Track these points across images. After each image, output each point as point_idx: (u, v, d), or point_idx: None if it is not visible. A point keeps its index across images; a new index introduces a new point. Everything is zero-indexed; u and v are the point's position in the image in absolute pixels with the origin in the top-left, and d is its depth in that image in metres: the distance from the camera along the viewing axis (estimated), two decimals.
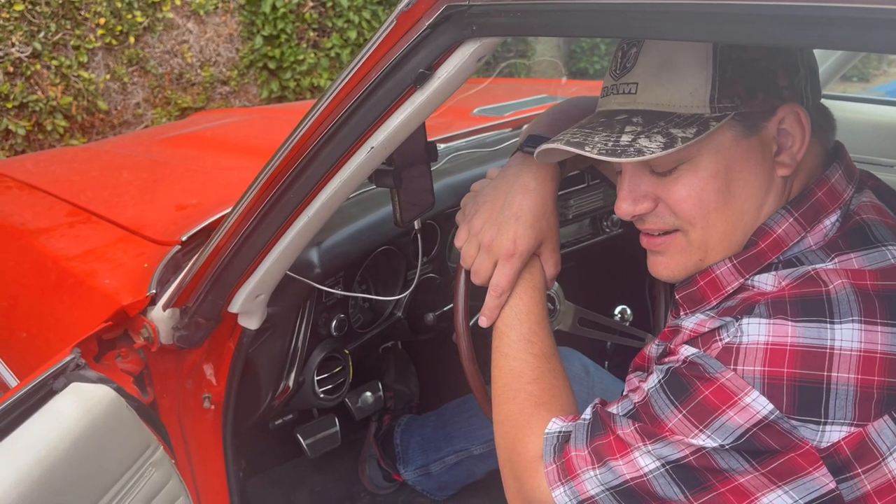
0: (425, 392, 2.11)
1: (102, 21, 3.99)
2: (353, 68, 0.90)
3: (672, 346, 0.84)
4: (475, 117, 2.17)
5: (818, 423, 0.73)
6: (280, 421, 1.62)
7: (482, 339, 1.15)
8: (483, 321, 1.04)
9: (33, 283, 1.49)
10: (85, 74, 3.97)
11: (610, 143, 0.81)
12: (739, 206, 0.85)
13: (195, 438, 1.38)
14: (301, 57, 4.64)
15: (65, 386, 1.01)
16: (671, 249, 0.89)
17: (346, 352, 1.46)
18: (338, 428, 1.83)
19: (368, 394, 1.92)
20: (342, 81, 0.91)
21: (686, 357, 0.80)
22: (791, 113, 0.84)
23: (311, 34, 4.72)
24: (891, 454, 0.74)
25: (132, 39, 4.20)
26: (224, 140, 2.28)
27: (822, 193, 0.86)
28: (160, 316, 1.21)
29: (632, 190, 0.88)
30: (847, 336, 0.74)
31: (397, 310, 1.59)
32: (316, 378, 1.41)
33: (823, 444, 0.73)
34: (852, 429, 0.73)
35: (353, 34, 4.78)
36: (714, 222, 0.85)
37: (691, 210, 0.85)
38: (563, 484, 0.88)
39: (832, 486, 0.74)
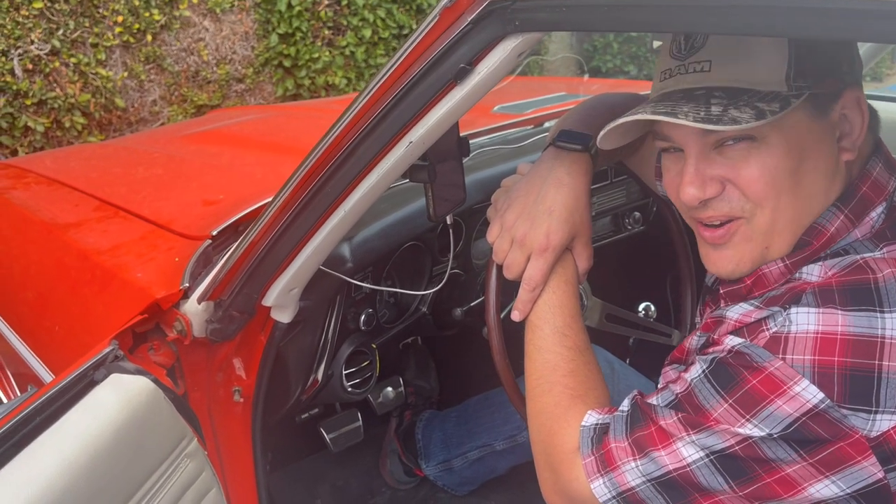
0: (445, 388, 2.12)
1: (120, 19, 4.02)
2: (394, 63, 0.90)
3: (716, 337, 0.85)
4: (496, 115, 2.18)
5: (869, 412, 0.74)
6: (306, 415, 1.63)
7: (510, 335, 1.16)
8: (516, 315, 1.04)
9: (64, 277, 1.51)
10: (103, 72, 4.00)
11: (702, 113, 0.79)
12: (809, 189, 0.84)
13: (225, 431, 1.39)
14: (316, 55, 4.65)
15: (105, 377, 1.02)
16: (736, 239, 0.87)
17: (374, 346, 1.47)
18: (361, 423, 1.84)
19: (390, 389, 1.93)
20: (383, 77, 0.92)
21: (732, 347, 0.80)
22: (853, 98, 0.85)
23: (326, 32, 4.73)
24: None
25: (149, 37, 4.23)
26: (245, 137, 2.30)
27: (866, 188, 0.86)
28: (194, 309, 1.22)
29: (699, 173, 0.85)
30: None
31: (422, 305, 1.60)
32: (344, 372, 1.42)
33: (874, 434, 0.74)
34: None
35: (367, 32, 4.79)
36: (784, 205, 0.84)
37: (763, 190, 0.83)
38: (602, 475, 0.88)
39: (881, 475, 0.75)
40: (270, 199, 1.06)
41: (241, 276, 1.12)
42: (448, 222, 1.19)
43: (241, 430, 1.40)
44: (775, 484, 0.78)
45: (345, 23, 4.75)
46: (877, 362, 0.73)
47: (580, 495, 0.91)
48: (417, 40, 0.88)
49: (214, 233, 1.41)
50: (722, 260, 0.89)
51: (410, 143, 0.95)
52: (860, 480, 0.76)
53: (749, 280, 0.89)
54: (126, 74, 4.19)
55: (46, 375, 1.44)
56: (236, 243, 1.13)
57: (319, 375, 1.39)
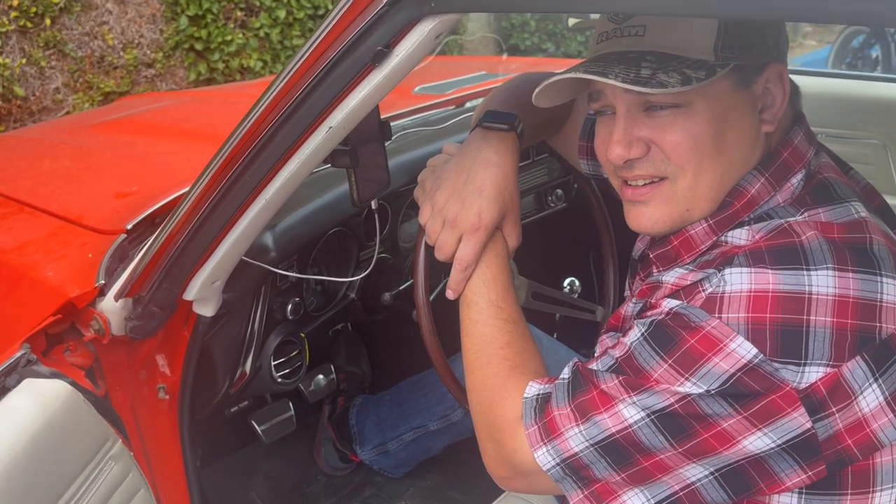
0: (377, 373, 2.11)
1: (16, 2, 3.80)
2: (310, 47, 0.89)
3: (653, 301, 0.87)
4: (417, 95, 2.17)
5: (798, 365, 0.77)
6: (235, 408, 1.60)
7: (439, 317, 1.16)
8: (450, 294, 1.05)
9: None
10: None
11: (632, 75, 0.82)
12: (729, 156, 0.88)
13: (151, 430, 1.35)
14: (229, 37, 4.51)
15: (18, 382, 0.98)
16: (657, 199, 0.91)
17: (302, 335, 1.45)
18: (292, 412, 1.82)
19: (321, 377, 1.91)
20: (299, 60, 0.90)
21: (670, 309, 0.83)
22: (776, 72, 0.89)
23: (239, 14, 4.59)
24: (861, 393, 0.78)
25: (48, 21, 4.01)
26: (157, 125, 2.21)
27: (787, 154, 0.90)
28: (111, 307, 1.18)
29: (626, 133, 0.89)
30: (822, 282, 0.79)
31: (350, 291, 1.59)
32: (273, 363, 1.40)
33: (802, 385, 0.78)
34: (828, 369, 0.78)
35: (281, 13, 4.68)
36: (706, 169, 0.88)
37: (686, 154, 0.87)
38: (545, 444, 0.90)
39: (808, 425, 0.79)
40: (188, 190, 1.03)
41: (159, 271, 1.09)
42: (373, 207, 1.18)
43: (169, 428, 1.36)
44: (712, 439, 0.81)
45: (258, 3, 4.62)
46: (805, 317, 0.78)
47: (524, 464, 0.92)
48: (333, 22, 0.87)
49: (129, 226, 1.36)
50: (641, 217, 0.93)
51: (330, 128, 0.93)
52: (790, 431, 0.79)
53: (676, 241, 0.93)
54: (24, 61, 3.97)
55: None
56: (153, 236, 1.09)
57: (247, 368, 1.37)
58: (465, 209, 1.02)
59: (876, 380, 0.79)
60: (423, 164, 1.16)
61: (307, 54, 0.89)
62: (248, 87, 3.11)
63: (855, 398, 0.79)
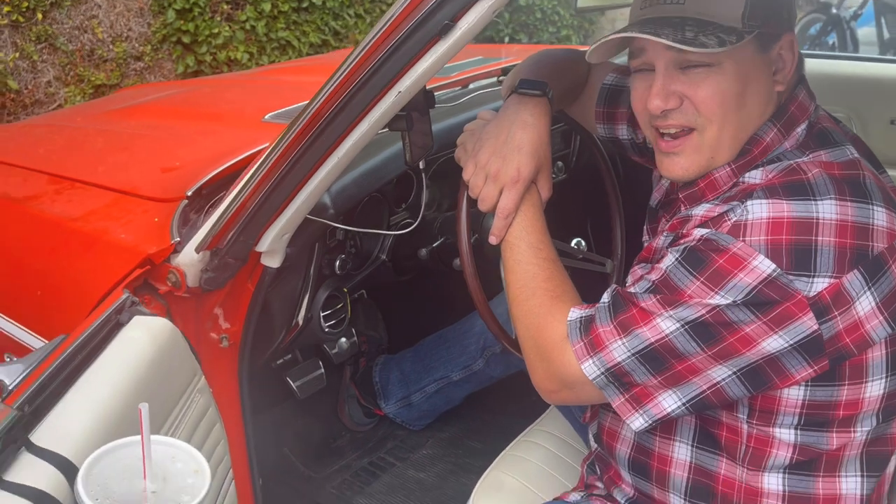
0: (392, 337, 2.27)
1: None
2: (386, 22, 1.04)
3: (684, 231, 1.04)
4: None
5: (809, 277, 0.94)
6: (281, 361, 1.75)
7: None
8: (493, 239, 1.21)
9: (38, 245, 1.55)
10: None
11: (679, 36, 0.98)
12: (749, 110, 1.05)
13: (212, 378, 1.50)
14: (216, 30, 4.61)
15: (129, 319, 1.12)
16: (688, 150, 1.07)
17: (345, 290, 1.61)
18: (322, 370, 1.97)
19: (344, 340, 2.05)
20: (376, 33, 1.05)
21: (701, 236, 0.99)
22: (788, 41, 1.06)
23: (225, 7, 4.69)
24: (858, 300, 0.95)
25: (40, 16, 4.07)
26: (178, 109, 2.34)
27: (794, 108, 1.08)
28: (188, 260, 1.32)
29: (665, 87, 1.04)
30: (827, 209, 0.96)
31: (382, 253, 1.75)
32: (322, 314, 1.55)
33: (811, 294, 0.94)
34: (832, 280, 0.94)
35: (267, 6, 4.78)
36: (729, 122, 1.04)
37: (714, 108, 1.03)
38: (591, 356, 1.05)
39: (816, 327, 0.95)
40: (269, 147, 1.18)
41: (239, 223, 1.23)
42: (421, 166, 1.34)
43: (229, 375, 1.50)
44: (737, 342, 0.96)
45: None
46: (813, 238, 0.94)
47: (571, 376, 1.08)
48: (406, 2, 1.02)
49: (189, 193, 1.49)
50: (674, 166, 1.10)
51: (399, 92, 1.09)
52: (800, 333, 0.95)
53: (702, 183, 1.09)
54: (17, 55, 4.03)
55: (34, 340, 1.49)
56: (233, 193, 1.23)
57: (300, 319, 1.52)
58: (506, 164, 1.18)
59: (869, 288, 0.96)
60: (442, 138, 1.32)
61: (384, 28, 1.04)
62: (255, 75, 3.23)
63: (853, 304, 0.95)
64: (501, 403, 2.05)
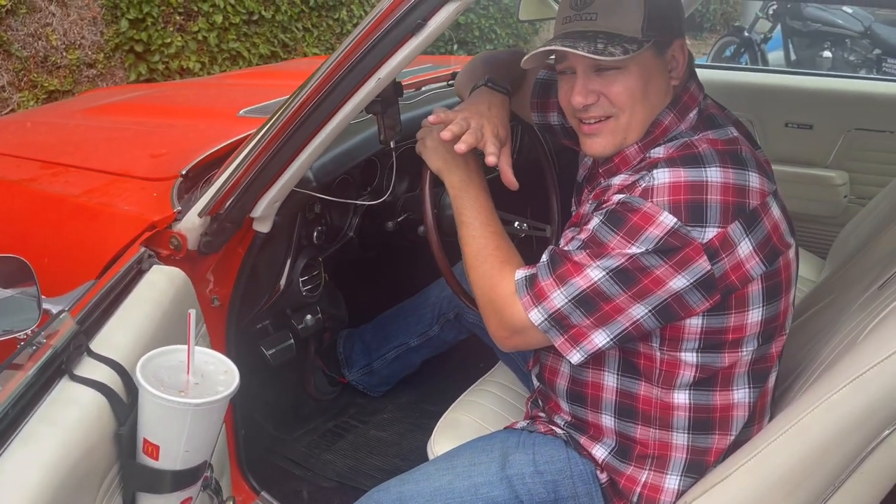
0: (353, 314, 2.49)
1: None
2: (369, 21, 1.29)
3: (605, 198, 1.28)
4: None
5: (702, 227, 1.17)
6: (260, 325, 1.95)
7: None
8: (490, 158, 1.41)
9: (44, 219, 1.72)
10: None
11: (592, 48, 1.22)
12: (651, 100, 1.30)
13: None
14: (168, 40, 4.76)
15: (150, 267, 1.32)
16: (605, 131, 1.31)
17: (320, 259, 1.83)
18: (293, 341, 2.17)
19: (309, 316, 2.26)
20: (362, 30, 1.29)
21: (618, 200, 1.22)
22: (679, 45, 1.33)
23: (178, 18, 4.85)
24: (739, 245, 1.19)
25: None
26: (154, 106, 2.51)
27: (686, 98, 1.35)
28: (190, 225, 1.51)
29: (584, 87, 1.28)
30: (713, 175, 1.21)
31: (349, 230, 1.98)
32: (301, 279, 1.77)
33: (705, 241, 1.17)
34: (719, 229, 1.17)
35: (218, 18, 4.96)
36: (637, 110, 1.29)
37: (625, 100, 1.27)
38: (536, 306, 1.27)
39: (709, 267, 1.18)
40: (267, 123, 1.40)
41: (239, 190, 1.44)
42: (392, 146, 1.58)
43: (218, 334, 1.70)
44: (650, 283, 1.19)
45: (196, 9, 4.89)
46: (704, 196, 1.19)
47: (519, 323, 1.30)
48: (388, 3, 1.27)
49: (184, 171, 1.70)
50: (595, 145, 1.34)
51: (379, 78, 1.33)
52: (698, 273, 1.18)
53: (617, 159, 1.35)
54: None
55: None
56: (234, 164, 1.45)
57: (282, 283, 1.73)
58: (479, 115, 1.42)
59: (747, 235, 1.19)
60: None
61: (368, 25, 1.29)
62: (224, 78, 3.41)
63: (735, 248, 1.18)
64: (453, 368, 2.29)
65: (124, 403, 1.03)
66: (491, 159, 1.40)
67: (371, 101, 1.41)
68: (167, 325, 1.22)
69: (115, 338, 1.11)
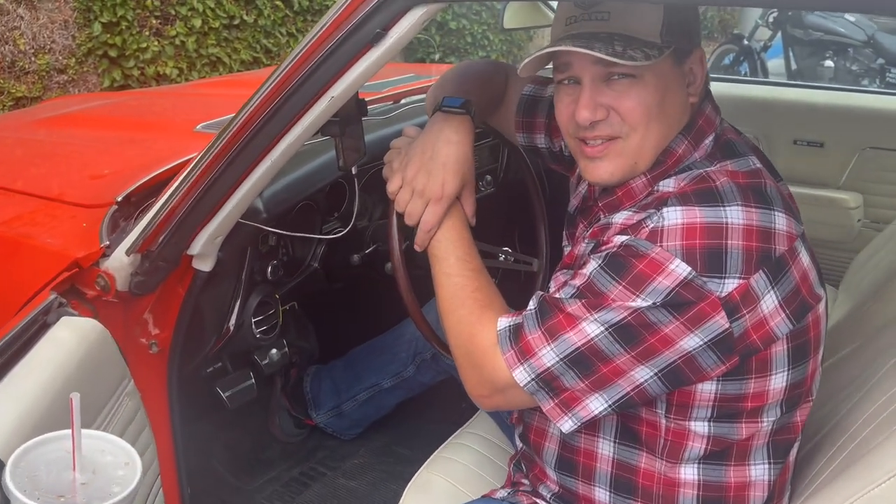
0: (323, 347, 2.28)
1: None
2: (319, 29, 1.08)
3: (605, 239, 1.09)
4: (360, 93, 2.36)
5: (720, 278, 0.99)
6: (211, 369, 1.74)
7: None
8: (417, 247, 1.26)
9: None
10: None
11: (610, 50, 1.03)
12: (668, 119, 1.11)
13: (141, 384, 1.48)
14: (144, 45, 4.55)
15: (57, 319, 1.11)
16: (611, 154, 1.11)
17: (276, 296, 1.62)
18: (253, 380, 1.96)
19: (274, 350, 2.05)
20: (309, 41, 1.09)
21: (621, 242, 1.04)
22: (698, 56, 1.13)
23: (154, 22, 4.64)
24: (763, 298, 1.01)
25: None
26: (109, 118, 2.31)
27: (702, 122, 1.15)
28: (118, 264, 1.31)
29: (592, 99, 1.09)
30: (734, 215, 1.02)
31: (314, 261, 1.77)
32: (253, 320, 1.56)
33: (723, 294, 0.99)
34: (741, 280, 0.99)
35: (197, 22, 4.75)
36: (651, 130, 1.09)
37: (638, 117, 1.08)
38: (522, 363, 1.09)
39: (727, 325, 1.00)
40: (202, 151, 1.19)
41: (170, 226, 1.24)
42: (353, 172, 1.37)
43: (158, 382, 1.50)
44: (657, 342, 1.01)
45: (173, 12, 4.69)
46: (723, 241, 1.00)
47: (501, 382, 1.12)
48: (341, 9, 1.07)
49: (119, 198, 1.49)
50: (598, 170, 1.14)
51: (332, 97, 1.13)
52: (714, 331, 1.00)
53: (620, 192, 1.15)
54: None
55: None
56: (165, 195, 1.24)
57: (232, 324, 1.53)
58: (431, 180, 1.21)
59: (773, 287, 1.01)
60: (374, 149, 1.35)
61: (317, 35, 1.08)
62: (186, 88, 3.21)
63: (759, 302, 1.00)
64: (431, 410, 2.09)
65: None
66: (416, 247, 1.25)
67: (326, 121, 1.21)
68: (64, 400, 1.00)
69: None
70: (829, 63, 6.26)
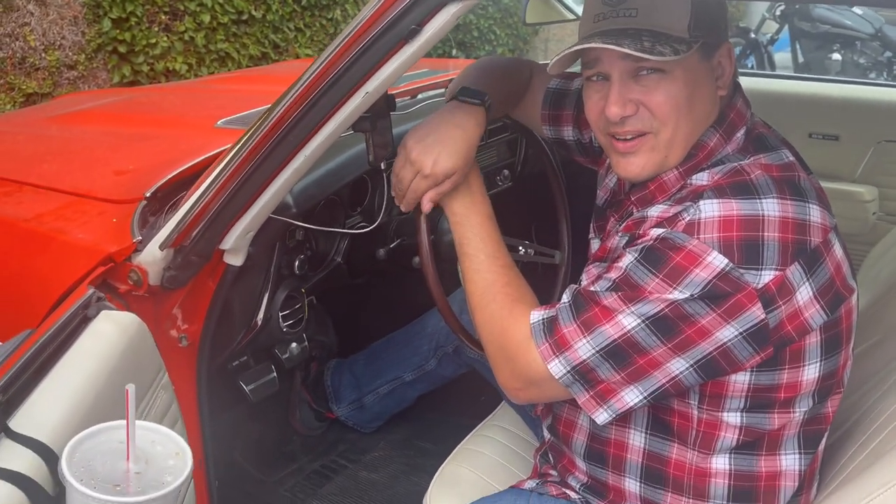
0: (342, 341, 2.30)
1: None
2: (356, 25, 1.09)
3: (640, 232, 1.10)
4: None
5: (757, 269, 1.01)
6: (237, 363, 1.75)
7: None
8: (403, 209, 1.29)
9: None
10: None
11: (639, 46, 1.05)
12: (697, 113, 1.12)
13: (172, 377, 1.50)
14: (153, 40, 4.55)
15: (97, 313, 1.12)
16: (643, 149, 1.13)
17: (303, 291, 1.64)
18: (275, 374, 1.98)
19: (294, 345, 2.06)
20: (346, 36, 1.10)
21: (657, 235, 1.06)
22: (727, 50, 1.14)
23: (163, 17, 4.64)
24: (798, 290, 1.03)
25: None
26: (127, 114, 2.32)
27: (733, 115, 1.16)
28: (151, 258, 1.32)
29: (621, 95, 1.11)
30: (770, 207, 1.04)
31: (337, 255, 1.78)
32: (280, 314, 1.57)
33: (759, 285, 1.01)
34: (777, 272, 1.01)
35: (206, 17, 4.75)
36: (681, 124, 1.11)
37: (668, 111, 1.10)
38: (557, 356, 1.10)
39: (763, 316, 1.02)
40: (237, 145, 1.20)
41: (205, 220, 1.25)
42: (382, 167, 1.38)
43: (188, 376, 1.51)
44: (693, 334, 1.03)
45: (182, 8, 4.69)
46: (760, 233, 1.02)
47: (536, 375, 1.13)
48: (377, 5, 1.08)
49: (148, 194, 1.50)
50: (630, 165, 1.15)
51: (367, 93, 1.14)
52: (749, 322, 1.02)
53: (653, 185, 1.16)
54: None
55: None
56: (199, 190, 1.25)
57: (260, 318, 1.54)
58: (424, 155, 1.20)
59: (808, 279, 1.03)
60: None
61: (354, 31, 1.09)
62: (196, 83, 3.22)
63: (794, 293, 1.02)
64: (452, 404, 2.10)
65: (50, 497, 0.84)
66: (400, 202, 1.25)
67: (359, 117, 1.22)
68: (112, 389, 1.02)
69: (41, 411, 0.91)
70: (836, 56, 6.25)
